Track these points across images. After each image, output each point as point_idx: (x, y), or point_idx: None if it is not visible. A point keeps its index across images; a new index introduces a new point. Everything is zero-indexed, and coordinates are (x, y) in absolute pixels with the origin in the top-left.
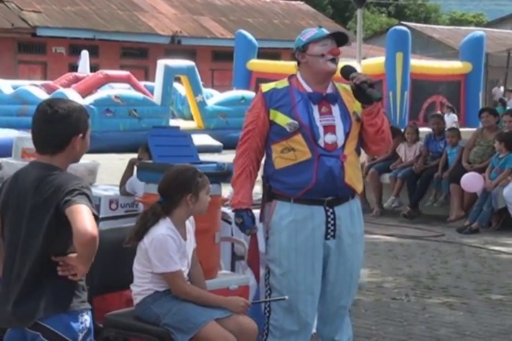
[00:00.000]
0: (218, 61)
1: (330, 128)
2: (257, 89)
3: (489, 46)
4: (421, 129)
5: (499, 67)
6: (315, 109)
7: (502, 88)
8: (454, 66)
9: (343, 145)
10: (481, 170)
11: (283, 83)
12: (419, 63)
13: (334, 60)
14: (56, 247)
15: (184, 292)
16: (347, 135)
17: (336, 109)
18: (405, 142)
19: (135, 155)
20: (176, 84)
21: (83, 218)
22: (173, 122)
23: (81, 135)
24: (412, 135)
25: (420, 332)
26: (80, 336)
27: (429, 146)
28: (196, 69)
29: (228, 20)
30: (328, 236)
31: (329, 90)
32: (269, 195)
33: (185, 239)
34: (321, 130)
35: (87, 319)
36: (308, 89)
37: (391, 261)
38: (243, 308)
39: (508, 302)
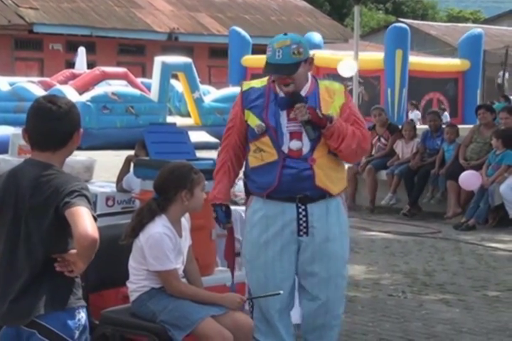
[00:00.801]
0: (215, 58)
1: (296, 135)
2: (241, 85)
3: (486, 43)
4: (419, 126)
5: (497, 64)
6: (283, 114)
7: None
8: (452, 63)
9: (311, 151)
10: (477, 167)
11: (262, 82)
12: (417, 60)
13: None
14: (57, 246)
15: (179, 291)
16: (315, 141)
17: None
18: (403, 139)
19: (132, 152)
20: (173, 81)
21: (84, 221)
22: (170, 119)
23: (81, 129)
24: (410, 132)
25: (417, 329)
26: (77, 333)
27: (426, 143)
28: (193, 66)
29: (225, 17)
30: (301, 233)
31: (304, 93)
32: (247, 191)
33: (180, 236)
34: (286, 136)
35: (83, 316)
36: (281, 93)
37: (388, 258)
38: (239, 304)
39: (505, 298)
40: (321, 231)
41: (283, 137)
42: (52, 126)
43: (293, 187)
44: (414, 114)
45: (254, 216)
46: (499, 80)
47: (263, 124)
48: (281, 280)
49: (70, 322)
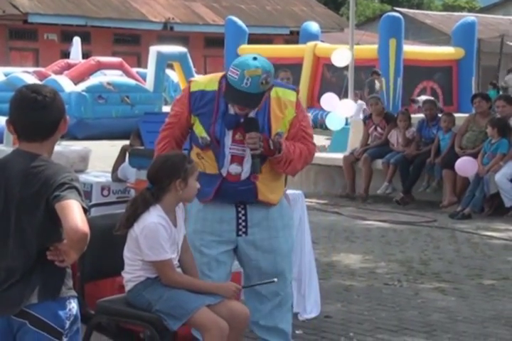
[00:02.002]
0: (211, 47)
1: (237, 159)
2: (189, 83)
3: (482, 32)
4: (413, 115)
5: (492, 53)
6: (228, 134)
7: None
8: (446, 52)
9: (249, 176)
10: (473, 156)
11: (212, 85)
12: (411, 49)
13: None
14: (50, 237)
15: (174, 280)
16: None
17: None
18: (397, 128)
19: (127, 142)
20: (168, 71)
21: (73, 215)
22: (165, 109)
23: (66, 117)
24: (404, 122)
25: (412, 318)
26: (67, 323)
27: (422, 132)
28: (189, 55)
29: (220, 7)
30: (240, 233)
31: (253, 113)
32: None
33: (175, 226)
34: (227, 159)
35: (74, 306)
36: (231, 110)
37: (383, 247)
38: (234, 293)
39: (500, 287)
40: (262, 230)
41: (224, 159)
42: (39, 116)
43: (232, 198)
44: (359, 104)
45: (192, 209)
46: (503, 83)
47: (208, 138)
48: (217, 278)
49: (60, 312)
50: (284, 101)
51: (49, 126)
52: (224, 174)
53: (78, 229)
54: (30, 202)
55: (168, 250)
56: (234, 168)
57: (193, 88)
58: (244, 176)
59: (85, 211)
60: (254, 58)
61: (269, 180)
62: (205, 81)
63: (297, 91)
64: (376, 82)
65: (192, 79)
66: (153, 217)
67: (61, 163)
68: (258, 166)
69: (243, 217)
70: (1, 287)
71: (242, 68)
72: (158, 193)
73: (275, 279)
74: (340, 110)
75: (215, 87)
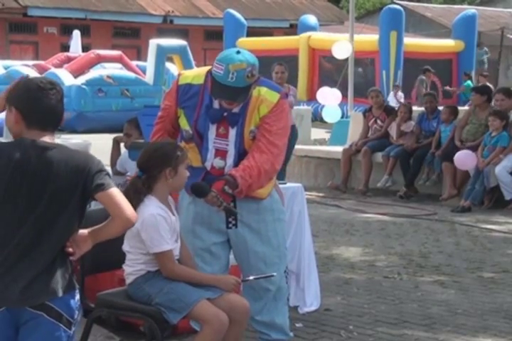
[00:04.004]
0: (210, 40)
1: (221, 153)
2: (178, 76)
3: (482, 25)
4: (413, 108)
5: (492, 46)
6: (212, 128)
7: None
8: (446, 44)
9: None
10: (473, 149)
11: (199, 79)
12: (411, 41)
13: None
14: (73, 229)
15: (174, 273)
16: (238, 159)
17: (232, 133)
18: (397, 121)
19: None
20: (168, 64)
21: (124, 204)
22: None
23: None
24: (405, 114)
25: (412, 311)
26: (76, 313)
27: (422, 125)
28: (188, 48)
29: None
30: (230, 225)
31: (236, 109)
32: None
33: (173, 215)
34: (211, 153)
35: (79, 297)
36: (215, 104)
37: (383, 240)
38: (234, 286)
39: (500, 280)
40: (252, 223)
41: (207, 153)
42: (56, 106)
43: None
44: (399, 96)
45: (183, 202)
46: None
47: (191, 132)
48: (210, 272)
49: (71, 303)
50: (262, 99)
51: (60, 118)
52: (208, 168)
53: (133, 218)
54: (64, 192)
55: (168, 241)
56: (218, 162)
57: (181, 81)
58: (227, 170)
59: None
60: (238, 52)
61: None
62: (193, 74)
63: (282, 94)
64: (425, 78)
65: (181, 72)
66: (151, 208)
67: None
68: (233, 210)
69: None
70: (24, 278)
71: (226, 62)
72: (148, 182)
73: (274, 273)
74: (330, 100)
75: (201, 80)
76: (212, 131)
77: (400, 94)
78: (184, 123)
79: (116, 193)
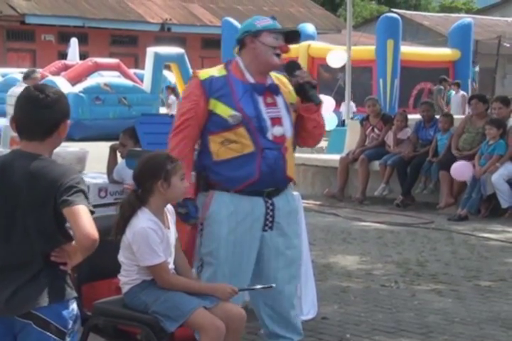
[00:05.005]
0: (208, 48)
1: (277, 121)
2: (191, 75)
3: (479, 33)
4: (410, 116)
5: (489, 55)
6: (260, 100)
7: None
8: (443, 53)
9: (290, 135)
10: (470, 157)
11: (220, 71)
12: (408, 50)
13: (279, 56)
14: (55, 239)
15: (170, 283)
16: (292, 125)
17: (279, 100)
18: (393, 129)
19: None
20: (165, 72)
21: (83, 221)
22: (162, 110)
23: (68, 121)
24: (401, 122)
25: (409, 319)
26: (70, 323)
27: (419, 133)
28: (186, 56)
29: (218, 8)
30: (266, 228)
31: (269, 81)
32: (205, 185)
33: (168, 228)
34: (268, 123)
35: (75, 306)
36: (250, 80)
37: (380, 248)
38: (230, 295)
39: (497, 288)
40: (284, 225)
41: (266, 124)
42: (39, 114)
43: (269, 179)
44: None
45: (222, 212)
46: None
47: (238, 114)
48: (243, 278)
49: (64, 313)
50: (282, 81)
51: (48, 126)
52: (270, 138)
53: (90, 236)
54: (37, 204)
55: (161, 254)
56: (277, 130)
57: (203, 76)
58: (287, 135)
59: (93, 213)
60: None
61: (291, 154)
62: (211, 69)
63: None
64: (442, 88)
65: (196, 71)
66: (142, 221)
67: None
68: (316, 95)
69: (271, 213)
70: (9, 288)
71: (259, 18)
72: (143, 195)
73: (273, 285)
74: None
75: (223, 72)
76: (261, 103)
77: (352, 103)
78: (224, 110)
79: (79, 211)
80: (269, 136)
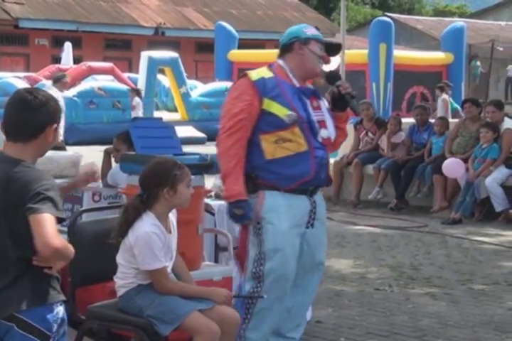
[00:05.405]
0: (202, 52)
1: (322, 124)
2: (239, 76)
3: (472, 37)
4: (404, 120)
5: (482, 58)
6: (308, 103)
7: None
8: (436, 57)
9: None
10: (463, 161)
11: (267, 73)
12: (401, 54)
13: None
14: (31, 244)
15: (167, 289)
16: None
17: (323, 104)
18: (387, 133)
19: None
20: (159, 76)
21: (44, 230)
22: (157, 114)
23: (55, 125)
24: (395, 126)
25: (403, 323)
26: (55, 326)
27: (413, 137)
28: (180, 60)
29: (211, 12)
30: (308, 225)
31: (308, 84)
32: (253, 187)
33: (170, 232)
34: (317, 125)
35: (61, 309)
36: (296, 84)
37: (374, 252)
38: (226, 299)
39: (490, 292)
40: (321, 222)
41: (315, 126)
42: (24, 115)
43: (318, 177)
44: None
45: (279, 209)
46: (510, 73)
47: (294, 114)
48: (292, 271)
49: (48, 316)
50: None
51: (33, 127)
52: (320, 140)
53: (48, 245)
54: (11, 209)
55: (162, 258)
56: (323, 132)
57: (254, 77)
58: (332, 138)
59: (62, 220)
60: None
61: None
62: (259, 71)
63: None
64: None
65: (246, 72)
66: (146, 225)
67: (50, 169)
68: (357, 105)
69: (314, 210)
70: None
71: (306, 26)
72: (148, 200)
73: (265, 296)
74: None
75: (270, 74)
76: (309, 106)
77: None
78: (280, 109)
79: (42, 219)
80: (319, 138)
